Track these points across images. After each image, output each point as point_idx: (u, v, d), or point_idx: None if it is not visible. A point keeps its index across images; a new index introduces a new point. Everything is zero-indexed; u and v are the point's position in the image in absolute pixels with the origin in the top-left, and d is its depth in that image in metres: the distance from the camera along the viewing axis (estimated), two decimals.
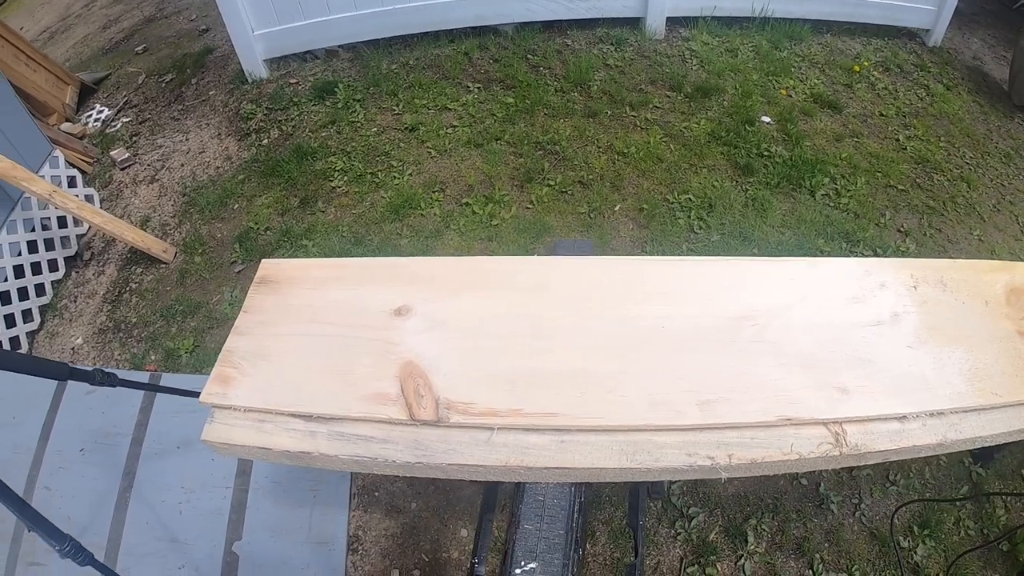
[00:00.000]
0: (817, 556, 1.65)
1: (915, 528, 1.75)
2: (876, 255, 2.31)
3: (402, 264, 0.99)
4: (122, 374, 1.43)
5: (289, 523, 1.62)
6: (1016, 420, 0.85)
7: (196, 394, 0.82)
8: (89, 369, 1.03)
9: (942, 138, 2.87)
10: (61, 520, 1.53)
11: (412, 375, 0.82)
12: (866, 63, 3.15)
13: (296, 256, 2.48)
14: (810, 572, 1.62)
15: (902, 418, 0.80)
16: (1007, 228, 2.71)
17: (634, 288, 0.93)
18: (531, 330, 0.88)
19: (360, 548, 1.67)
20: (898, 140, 2.78)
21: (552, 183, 2.39)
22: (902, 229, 2.44)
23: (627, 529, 1.65)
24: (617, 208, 2.30)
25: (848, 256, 2.29)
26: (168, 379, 1.81)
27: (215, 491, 1.64)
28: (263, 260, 0.94)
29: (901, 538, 1.73)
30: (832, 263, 1.01)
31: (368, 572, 1.64)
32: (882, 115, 2.87)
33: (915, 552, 1.70)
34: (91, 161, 3.07)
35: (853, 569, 1.64)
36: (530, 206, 2.35)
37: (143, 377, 1.91)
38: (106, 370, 1.06)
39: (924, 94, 3.07)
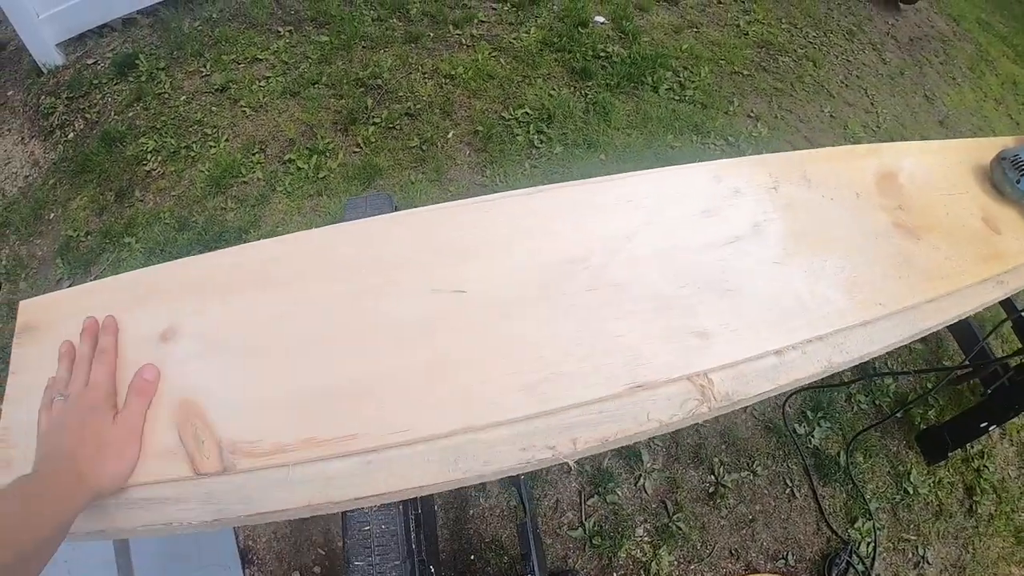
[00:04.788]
0: (716, 460, 1.60)
1: (808, 414, 1.73)
2: (728, 143, 2.24)
3: (163, 272, 0.74)
4: None
5: (177, 553, 1.48)
6: (905, 327, 0.75)
7: None
8: None
9: (783, 20, 2.83)
10: None
11: (189, 417, 0.62)
12: None
13: (122, 258, 2.19)
14: (712, 477, 1.57)
15: (777, 352, 0.68)
16: (857, 102, 2.71)
17: (431, 250, 0.71)
18: (317, 331, 0.66)
19: (255, 559, 1.53)
20: (739, 26, 2.71)
21: (378, 121, 2.16)
22: (752, 114, 2.38)
23: (506, 482, 1.52)
24: (450, 135, 2.11)
25: (700, 149, 2.21)
26: None
27: (96, 542, 1.45)
28: (21, 302, 0.73)
29: (796, 425, 1.70)
30: (673, 172, 0.83)
31: None
32: (720, 2, 2.79)
33: (812, 437, 1.68)
34: None
35: (754, 465, 1.60)
36: (357, 150, 2.12)
37: None
38: None
39: None
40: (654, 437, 1.63)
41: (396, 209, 0.79)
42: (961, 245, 0.84)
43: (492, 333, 0.65)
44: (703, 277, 0.72)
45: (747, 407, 1.72)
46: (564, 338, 0.65)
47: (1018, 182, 0.91)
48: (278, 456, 0.59)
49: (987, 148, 1.00)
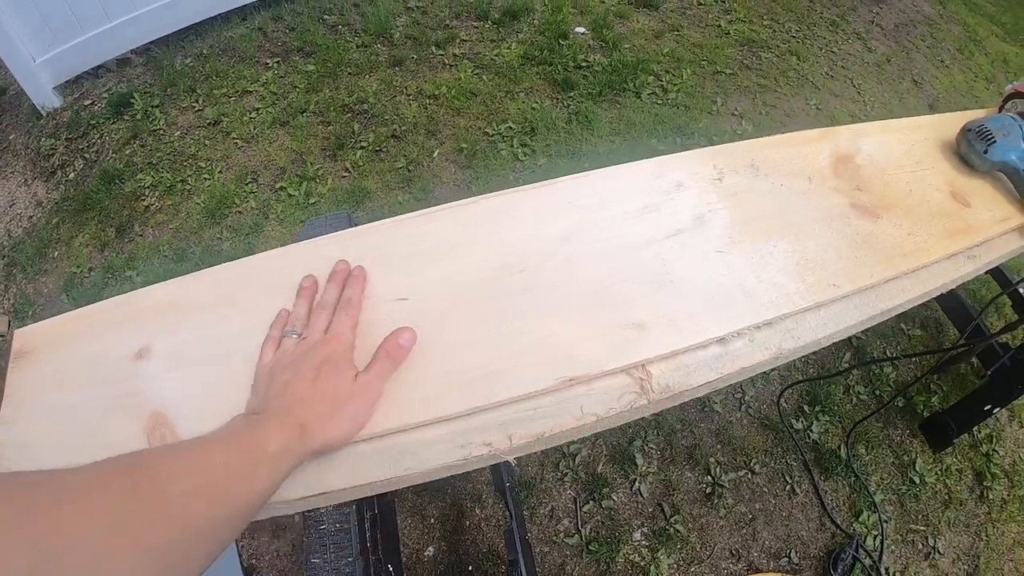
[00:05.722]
0: (712, 460, 1.59)
1: (805, 407, 1.71)
2: (712, 143, 2.23)
3: (140, 296, 0.78)
4: None
5: None
6: (864, 308, 0.73)
7: None
8: None
9: (764, 17, 2.84)
10: None
11: (158, 426, 0.65)
12: None
13: (124, 291, 2.23)
14: (709, 478, 1.55)
15: (720, 340, 0.67)
16: (843, 93, 2.71)
17: (379, 262, 0.73)
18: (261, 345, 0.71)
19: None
20: (720, 26, 2.72)
21: (365, 144, 2.20)
22: (736, 112, 2.39)
23: (493, 490, 1.53)
24: (436, 154, 2.14)
25: (684, 150, 2.21)
26: None
27: None
28: (16, 331, 0.77)
29: (793, 420, 1.68)
30: (613, 172, 0.82)
31: None
32: (700, 4, 2.81)
33: (811, 431, 1.66)
34: None
35: (752, 463, 1.59)
36: (346, 174, 2.16)
37: None
38: None
39: None
40: (647, 440, 1.63)
41: (354, 226, 0.81)
42: (925, 221, 0.81)
43: (430, 338, 0.66)
44: (641, 272, 0.71)
45: (742, 404, 1.72)
46: (498, 338, 0.66)
47: (985, 152, 0.87)
48: None
49: (954, 122, 0.95)
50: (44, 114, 2.98)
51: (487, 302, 0.69)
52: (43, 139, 2.90)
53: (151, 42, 2.90)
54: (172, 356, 0.70)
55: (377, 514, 0.90)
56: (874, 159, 0.89)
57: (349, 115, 2.31)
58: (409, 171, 2.10)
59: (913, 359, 1.89)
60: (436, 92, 2.31)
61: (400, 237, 0.76)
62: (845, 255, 0.74)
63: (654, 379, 0.63)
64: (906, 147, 0.93)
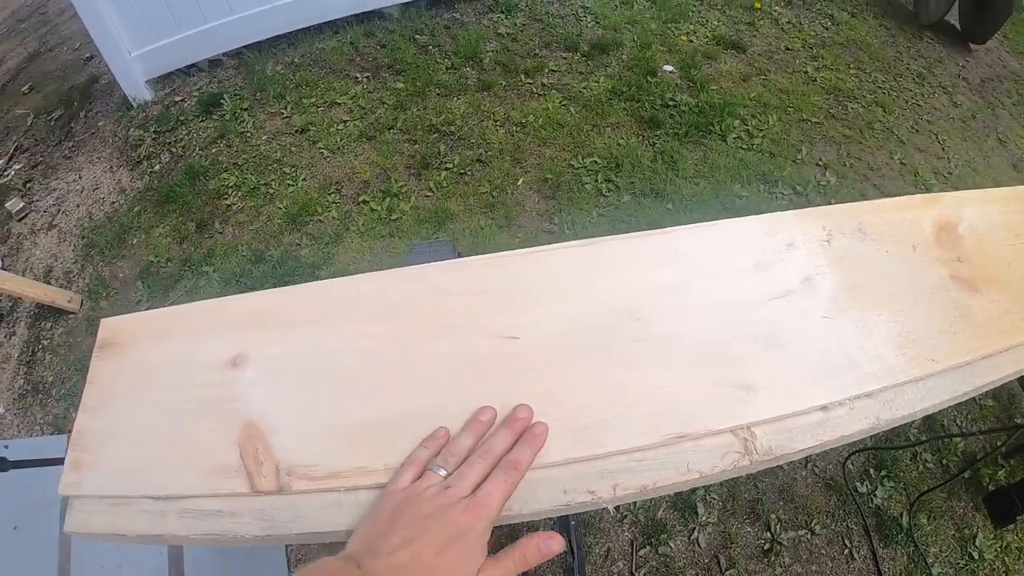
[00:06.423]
0: (773, 516, 1.56)
1: (871, 472, 1.67)
2: (796, 193, 2.22)
3: (236, 303, 0.80)
4: (37, 448, 1.28)
5: (228, 567, 1.50)
6: (959, 384, 0.72)
7: None
8: None
9: (852, 66, 2.80)
10: None
11: (251, 438, 0.67)
12: None
13: (199, 285, 2.32)
14: (768, 534, 1.53)
15: (824, 408, 0.67)
16: (928, 148, 2.66)
17: (487, 297, 0.75)
18: (372, 366, 0.72)
19: None
20: (807, 72, 2.69)
21: (450, 166, 2.24)
22: (820, 162, 2.36)
23: (558, 528, 1.54)
24: (520, 182, 2.16)
25: (768, 198, 2.20)
26: None
27: (151, 550, 1.53)
28: (102, 320, 0.79)
29: (858, 484, 1.65)
30: (728, 226, 0.83)
31: None
32: (788, 49, 2.78)
33: (874, 496, 1.63)
34: None
35: (812, 524, 1.56)
36: (429, 193, 2.20)
37: (63, 444, 1.74)
38: None
39: (829, 23, 3.00)
40: (709, 490, 1.62)
41: (459, 256, 0.83)
42: (1022, 298, 0.79)
43: (540, 379, 0.67)
44: (751, 331, 0.71)
45: (808, 463, 1.69)
46: (606, 386, 0.67)
47: None
48: (331, 481, 0.63)
49: None
50: (135, 106, 3.11)
51: (596, 348, 0.69)
52: (132, 129, 3.03)
53: (244, 47, 3.01)
54: (270, 368, 0.71)
55: None
56: (975, 229, 0.88)
57: (436, 135, 2.36)
58: (493, 197, 2.13)
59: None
60: (524, 120, 2.34)
61: (507, 273, 0.77)
62: (944, 329, 0.74)
63: (758, 441, 0.64)
64: (1006, 218, 0.91)
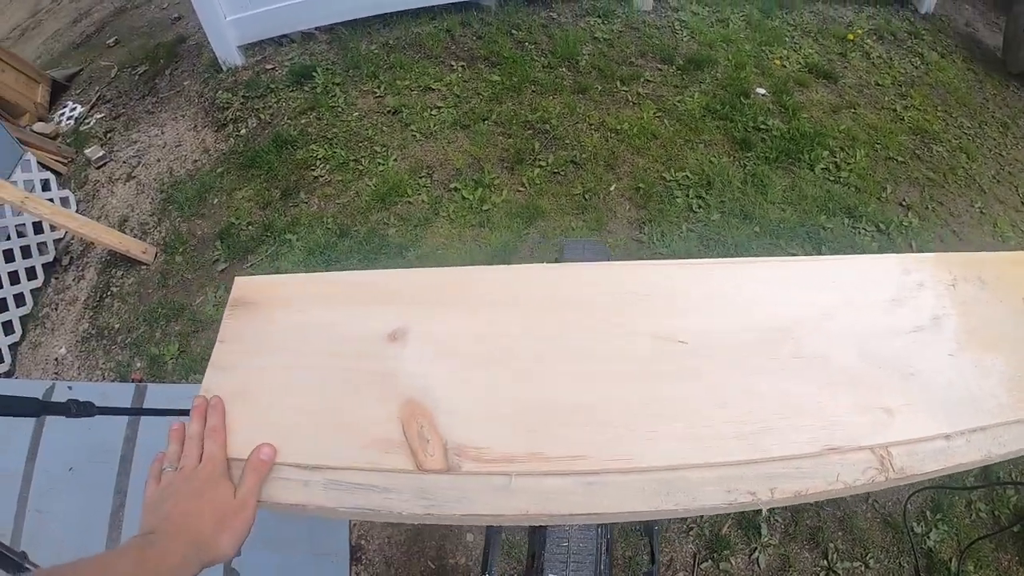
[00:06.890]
0: (831, 546, 1.61)
1: (928, 513, 1.71)
2: (879, 231, 2.25)
3: (395, 278, 0.83)
4: (102, 393, 1.32)
5: (288, 535, 1.53)
6: None
7: (181, 411, 0.73)
8: (63, 401, 0.90)
9: (939, 108, 2.81)
10: (54, 543, 1.42)
11: (415, 415, 0.69)
12: (859, 31, 3.06)
13: (281, 252, 2.38)
14: (825, 562, 1.58)
15: (947, 436, 0.73)
16: (1008, 200, 2.66)
17: (655, 300, 0.81)
18: (544, 354, 0.75)
19: (364, 558, 1.61)
20: (895, 110, 2.71)
21: (544, 164, 2.29)
22: (904, 203, 2.38)
23: (640, 532, 1.59)
24: (612, 188, 2.21)
25: (852, 233, 2.23)
26: (153, 390, 1.70)
27: None
28: (236, 278, 0.80)
29: (915, 524, 1.69)
30: (869, 261, 0.91)
31: None
32: (878, 84, 2.79)
33: (928, 537, 1.66)
34: (65, 162, 2.93)
35: (867, 557, 1.60)
36: (521, 189, 2.25)
37: (127, 391, 1.80)
38: (81, 400, 0.93)
39: (919, 62, 3.00)
40: (774, 512, 1.67)
41: (609, 258, 0.88)
42: None
43: (708, 383, 0.73)
44: (890, 359, 0.78)
45: (869, 498, 1.73)
46: (774, 397, 0.73)
47: None
48: (503, 465, 0.66)
49: None
50: (224, 69, 3.19)
51: (762, 361, 0.75)
52: (220, 92, 3.11)
53: (339, 23, 3.07)
54: (434, 346, 0.74)
55: (610, 539, 0.97)
56: None
57: (530, 132, 2.41)
58: (585, 199, 2.18)
59: None
60: (619, 127, 2.39)
61: (672, 280, 0.83)
62: None
63: (893, 459, 0.70)
64: None
